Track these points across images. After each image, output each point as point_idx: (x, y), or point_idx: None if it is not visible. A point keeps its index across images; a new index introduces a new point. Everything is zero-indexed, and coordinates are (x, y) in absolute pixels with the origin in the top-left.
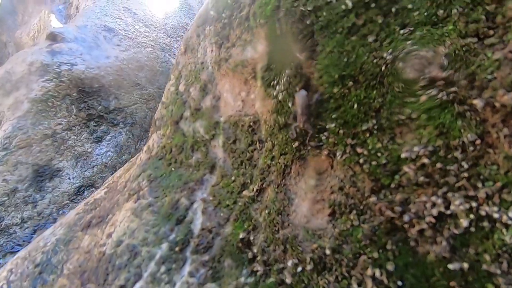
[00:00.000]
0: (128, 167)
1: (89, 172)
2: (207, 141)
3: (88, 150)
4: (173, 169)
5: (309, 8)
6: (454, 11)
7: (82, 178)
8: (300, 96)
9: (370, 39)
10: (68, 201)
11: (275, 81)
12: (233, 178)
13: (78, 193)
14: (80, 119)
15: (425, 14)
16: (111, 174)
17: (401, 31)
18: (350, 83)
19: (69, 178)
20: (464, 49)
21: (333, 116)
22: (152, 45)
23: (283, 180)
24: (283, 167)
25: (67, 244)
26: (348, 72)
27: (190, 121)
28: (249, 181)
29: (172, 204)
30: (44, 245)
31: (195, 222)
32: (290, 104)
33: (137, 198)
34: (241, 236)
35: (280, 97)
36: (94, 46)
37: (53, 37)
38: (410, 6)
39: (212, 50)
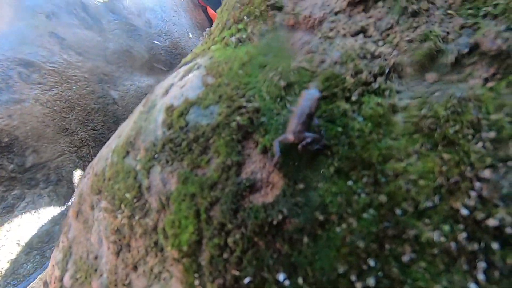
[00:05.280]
0: None
1: None
2: None
3: None
4: None
5: (246, 280)
6: None
7: None
8: (310, 96)
9: None
10: None
11: None
12: None
13: None
14: None
15: None
16: None
17: None
18: None
19: None
20: None
21: None
22: (86, 77)
23: None
24: None
25: None
26: None
27: None
28: None
29: None
30: None
31: None
32: None
33: None
34: None
35: None
36: (5, 88)
37: None
38: None
39: (108, 248)
